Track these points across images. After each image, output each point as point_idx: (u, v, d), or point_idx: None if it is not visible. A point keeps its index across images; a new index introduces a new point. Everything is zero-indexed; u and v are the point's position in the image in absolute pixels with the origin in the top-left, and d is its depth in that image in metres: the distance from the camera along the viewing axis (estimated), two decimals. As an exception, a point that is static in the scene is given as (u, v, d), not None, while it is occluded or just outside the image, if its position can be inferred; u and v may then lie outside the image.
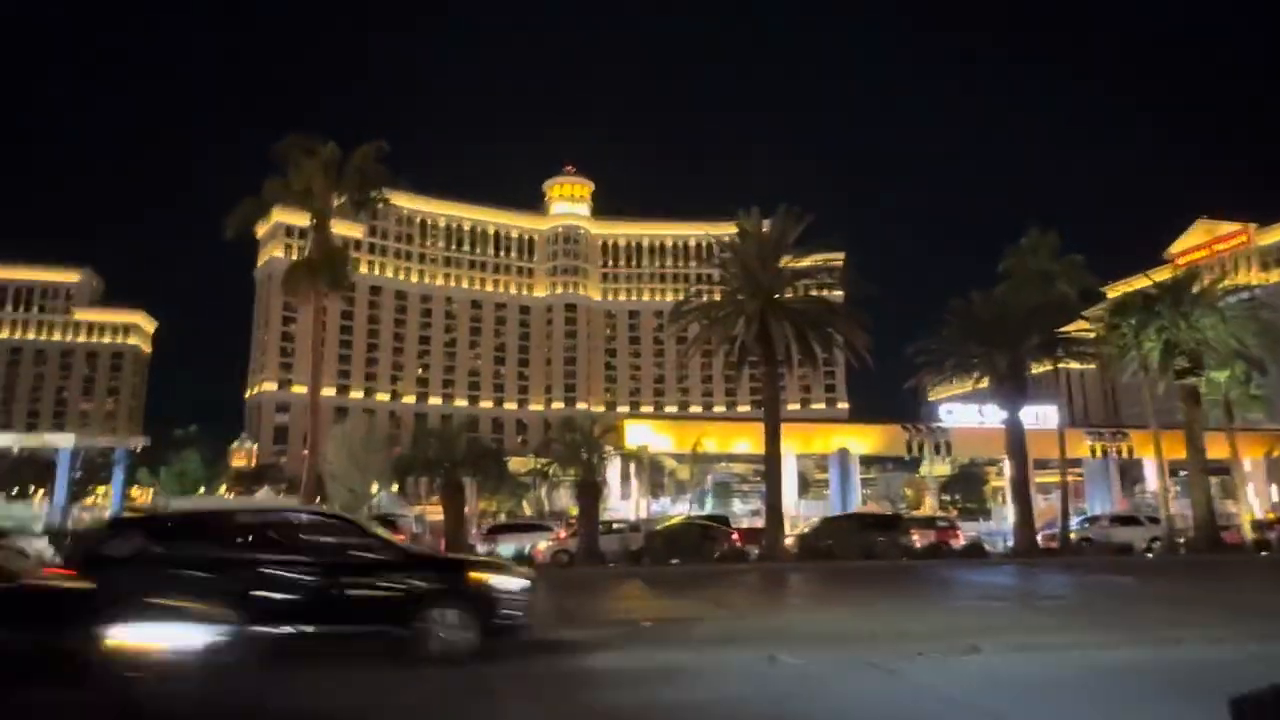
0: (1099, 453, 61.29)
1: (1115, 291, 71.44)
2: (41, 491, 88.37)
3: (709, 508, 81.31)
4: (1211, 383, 42.14)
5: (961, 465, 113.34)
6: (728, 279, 38.03)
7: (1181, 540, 39.50)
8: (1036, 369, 58.35)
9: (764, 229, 36.78)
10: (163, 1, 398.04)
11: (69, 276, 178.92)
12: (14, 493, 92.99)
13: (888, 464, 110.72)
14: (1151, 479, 60.29)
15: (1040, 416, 59.12)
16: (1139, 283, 46.46)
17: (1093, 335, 48.20)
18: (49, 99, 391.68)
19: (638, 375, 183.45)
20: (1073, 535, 40.79)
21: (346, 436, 70.65)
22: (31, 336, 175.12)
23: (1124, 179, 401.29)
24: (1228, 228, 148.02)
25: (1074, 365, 76.23)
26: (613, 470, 48.15)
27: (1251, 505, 48.68)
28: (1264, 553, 37.03)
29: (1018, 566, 32.66)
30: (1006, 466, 47.69)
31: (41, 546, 29.82)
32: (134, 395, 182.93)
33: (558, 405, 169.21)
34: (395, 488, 56.11)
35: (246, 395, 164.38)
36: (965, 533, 46.99)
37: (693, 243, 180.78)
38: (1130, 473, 69.59)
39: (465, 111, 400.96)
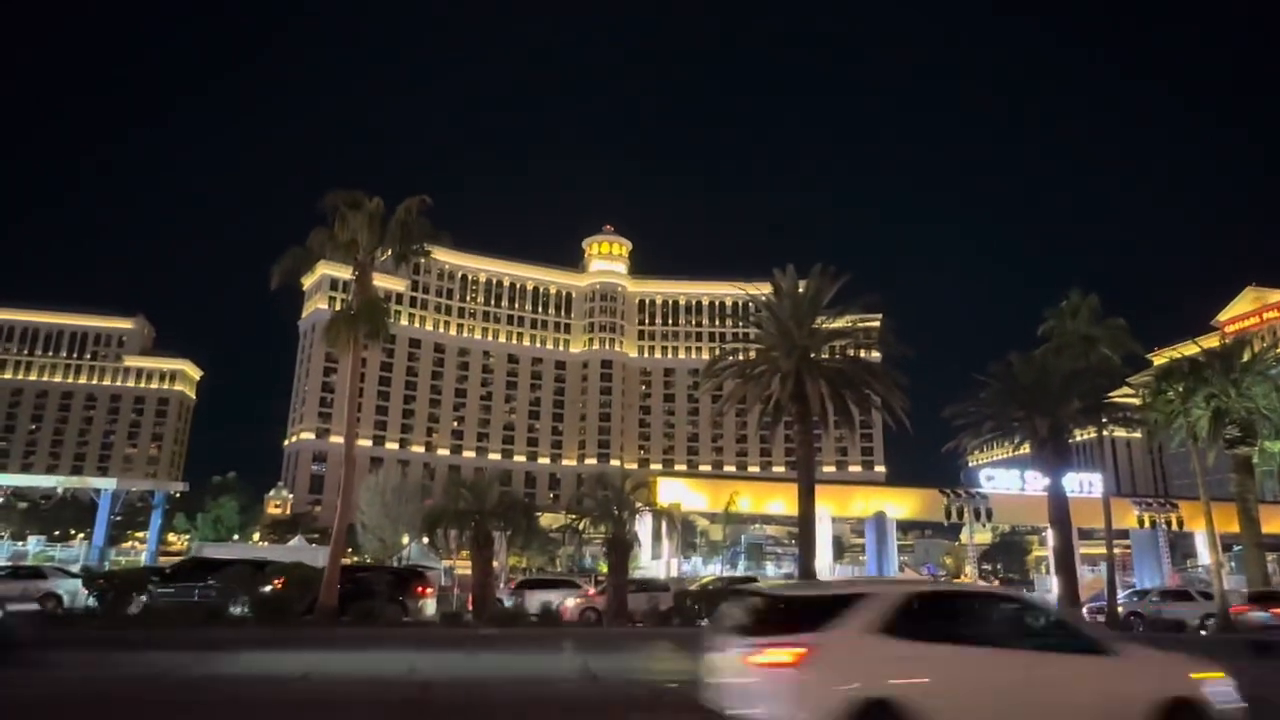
0: (1147, 524, 59.15)
1: (1161, 358, 69.75)
2: (81, 535, 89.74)
3: (741, 569, 79.78)
4: (1265, 453, 40.68)
5: (1002, 533, 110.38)
6: (763, 337, 37.87)
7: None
8: (1080, 435, 56.81)
9: (800, 288, 36.69)
10: (213, 59, 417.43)
11: (122, 324, 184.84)
12: (55, 534, 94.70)
13: (926, 529, 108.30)
14: (1203, 553, 57.98)
15: (1085, 484, 57.51)
16: (1186, 349, 45.33)
17: (1138, 402, 47.00)
18: (110, 152, 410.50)
19: (672, 433, 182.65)
20: (1120, 609, 39.14)
21: (379, 487, 70.89)
22: (83, 381, 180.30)
23: (1168, 246, 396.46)
24: (1277, 295, 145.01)
25: (1119, 433, 74.24)
26: (644, 528, 47.54)
27: (1311, 583, 46.37)
28: (1327, 634, 35.09)
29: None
30: (1049, 536, 46.20)
31: (75, 587, 30.16)
32: (177, 441, 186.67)
33: (591, 461, 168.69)
34: (425, 539, 55.96)
35: (285, 444, 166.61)
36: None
37: (729, 301, 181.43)
38: (1181, 546, 66.98)
39: (508, 171, 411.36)
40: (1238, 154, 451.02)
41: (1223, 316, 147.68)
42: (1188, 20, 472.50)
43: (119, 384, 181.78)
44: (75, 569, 38.70)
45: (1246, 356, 40.64)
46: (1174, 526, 59.35)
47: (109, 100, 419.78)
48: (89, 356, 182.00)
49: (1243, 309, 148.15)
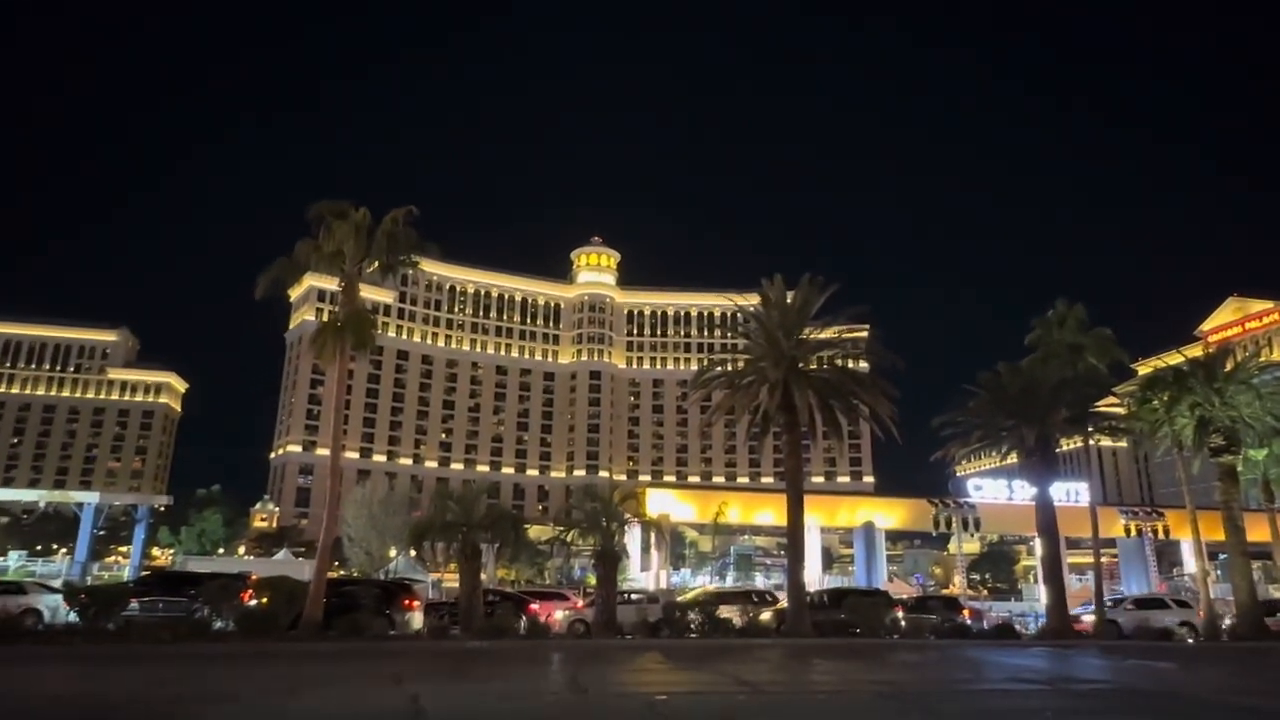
0: (1133, 532, 59.42)
1: (1146, 367, 70.29)
2: (64, 550, 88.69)
3: (730, 580, 79.57)
4: (1249, 461, 40.92)
5: (991, 543, 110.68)
6: (751, 348, 37.89)
7: (1225, 625, 37.93)
8: (1067, 445, 57.03)
9: (788, 298, 36.77)
10: (205, 74, 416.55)
11: (106, 336, 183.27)
12: (37, 548, 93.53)
13: (915, 539, 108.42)
14: (1189, 561, 58.28)
15: (1071, 493, 57.80)
16: (1171, 358, 45.53)
17: (1124, 411, 47.19)
18: (95, 164, 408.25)
19: (660, 444, 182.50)
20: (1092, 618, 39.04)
21: (366, 500, 70.47)
22: (66, 394, 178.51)
23: (1154, 255, 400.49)
24: (1259, 305, 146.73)
25: (1105, 441, 74.62)
26: (633, 540, 47.32)
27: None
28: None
29: (1048, 650, 31.33)
30: (1037, 545, 46.30)
31: (55, 602, 29.73)
32: (161, 454, 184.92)
33: (579, 472, 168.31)
34: (412, 552, 55.64)
35: (271, 456, 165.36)
36: (996, 613, 45.45)
37: (717, 312, 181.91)
38: (1167, 554, 67.36)
39: (498, 182, 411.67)
40: (1225, 164, 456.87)
41: (1206, 326, 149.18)
42: (1174, 28, 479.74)
43: (102, 397, 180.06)
44: (57, 584, 38.17)
45: (1229, 366, 40.96)
46: (1160, 535, 59.63)
47: (92, 111, 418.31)
48: (72, 369, 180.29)
49: (1225, 319, 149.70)
